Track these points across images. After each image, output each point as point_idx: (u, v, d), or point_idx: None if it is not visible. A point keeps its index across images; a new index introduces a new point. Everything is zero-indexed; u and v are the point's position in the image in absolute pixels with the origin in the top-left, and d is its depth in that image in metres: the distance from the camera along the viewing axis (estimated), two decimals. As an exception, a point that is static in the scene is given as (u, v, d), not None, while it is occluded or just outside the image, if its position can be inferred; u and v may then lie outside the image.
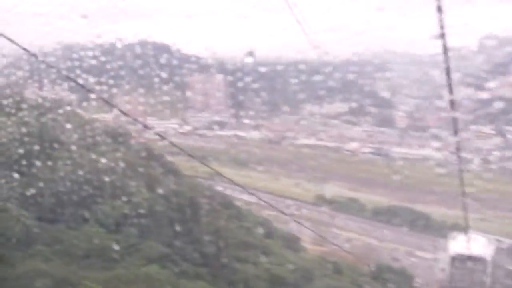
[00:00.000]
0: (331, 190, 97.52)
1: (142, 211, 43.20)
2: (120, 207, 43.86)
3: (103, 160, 47.54)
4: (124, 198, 44.06)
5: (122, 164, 48.36)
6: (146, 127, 59.10)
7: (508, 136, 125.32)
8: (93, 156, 48.03)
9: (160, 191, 48.49)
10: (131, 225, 42.96)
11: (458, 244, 65.26)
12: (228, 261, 46.12)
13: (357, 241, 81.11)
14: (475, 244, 62.95)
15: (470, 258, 62.39)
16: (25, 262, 32.28)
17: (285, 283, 45.44)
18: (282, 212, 77.85)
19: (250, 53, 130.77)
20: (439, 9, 6.56)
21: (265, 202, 73.11)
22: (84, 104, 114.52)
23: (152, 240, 41.69)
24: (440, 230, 77.88)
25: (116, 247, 39.51)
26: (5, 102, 49.06)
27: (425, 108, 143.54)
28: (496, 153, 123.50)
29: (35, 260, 33.13)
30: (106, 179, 44.50)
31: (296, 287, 46.23)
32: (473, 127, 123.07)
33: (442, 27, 6.63)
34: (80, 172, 44.28)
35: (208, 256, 44.48)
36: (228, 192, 76.57)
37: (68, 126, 54.36)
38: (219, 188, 73.59)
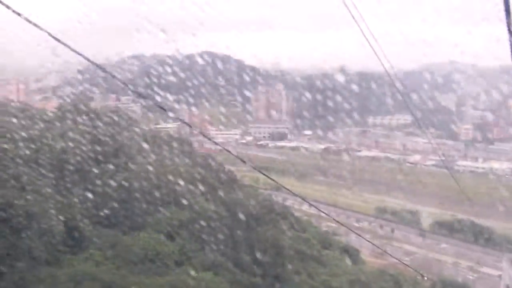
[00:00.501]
0: (393, 202, 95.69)
1: (199, 218, 42.90)
2: (178, 214, 43.70)
3: (166, 168, 47.86)
4: (183, 205, 43.88)
5: (183, 173, 48.53)
6: (207, 137, 59.15)
7: None
8: (155, 163, 48.28)
9: (219, 199, 48.23)
10: (187, 232, 42.70)
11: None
12: (284, 271, 45.26)
13: (417, 255, 79.04)
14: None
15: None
16: (75, 265, 32.36)
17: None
18: (342, 224, 76.61)
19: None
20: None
21: (324, 213, 72.49)
22: (150, 115, 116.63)
23: (207, 248, 41.26)
24: (506, 244, 75.02)
25: (171, 253, 39.38)
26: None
27: (491, 120, 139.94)
28: None
29: (86, 264, 33.19)
30: (167, 186, 44.55)
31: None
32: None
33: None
34: (141, 179, 44.40)
35: (263, 266, 43.70)
36: (288, 203, 75.91)
37: (137, 137, 55.29)
38: (278, 198, 73.05)
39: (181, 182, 43.24)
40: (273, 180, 28.97)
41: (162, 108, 76.09)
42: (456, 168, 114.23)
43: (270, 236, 47.77)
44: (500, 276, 70.10)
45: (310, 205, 60.59)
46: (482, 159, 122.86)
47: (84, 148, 43.58)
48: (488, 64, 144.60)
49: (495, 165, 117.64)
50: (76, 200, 39.08)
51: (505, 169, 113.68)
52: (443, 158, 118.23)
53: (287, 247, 48.92)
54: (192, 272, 36.37)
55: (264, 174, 18.90)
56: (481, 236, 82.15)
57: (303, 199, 34.10)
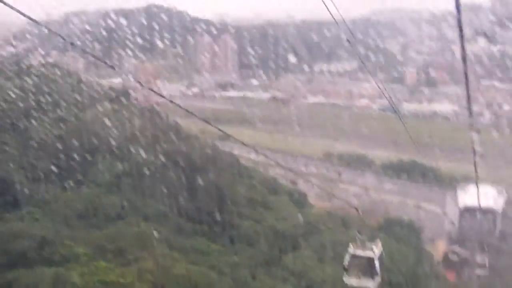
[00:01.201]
0: (340, 146, 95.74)
1: (141, 170, 41.73)
2: (117, 167, 42.45)
3: (106, 121, 46.35)
4: (122, 158, 42.61)
5: (121, 124, 47.08)
6: (152, 90, 57.70)
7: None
8: (91, 116, 46.69)
9: (161, 150, 46.95)
10: (129, 185, 41.54)
11: (467, 196, 63.21)
12: (230, 218, 44.67)
13: (365, 196, 79.43)
14: (485, 196, 60.87)
15: (479, 210, 60.31)
16: (11, 224, 30.96)
17: (288, 237, 43.98)
18: (289, 169, 76.38)
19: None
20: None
21: (272, 160, 72.02)
22: (92, 69, 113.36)
23: (149, 199, 40.22)
24: (450, 183, 75.76)
25: (112, 206, 38.26)
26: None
27: (436, 64, 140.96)
28: (506, 107, 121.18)
29: (23, 221, 31.84)
30: (104, 139, 43.15)
31: (295, 238, 44.71)
32: (484, 81, 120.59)
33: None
34: (78, 132, 42.89)
35: (209, 214, 42.95)
36: (236, 152, 75.01)
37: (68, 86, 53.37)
38: (225, 148, 72.21)
39: (117, 133, 41.80)
40: (220, 129, 27.69)
41: (104, 62, 73.67)
42: (402, 111, 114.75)
43: (216, 184, 46.95)
44: (445, 213, 70.96)
45: (257, 152, 60.05)
46: (426, 102, 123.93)
47: (18, 104, 41.77)
48: (432, 9, 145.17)
49: (439, 107, 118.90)
50: (10, 156, 37.44)
51: (448, 111, 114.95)
52: (390, 101, 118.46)
53: (233, 194, 48.25)
54: (134, 224, 35.43)
55: (210, 124, 18.01)
56: (426, 176, 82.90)
57: (250, 147, 33.01)
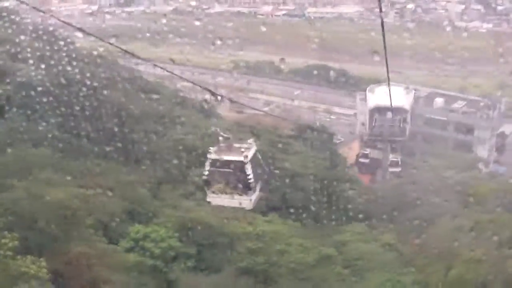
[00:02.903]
0: (247, 55, 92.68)
1: (26, 92, 37.39)
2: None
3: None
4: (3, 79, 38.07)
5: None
6: (42, 11, 51.90)
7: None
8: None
9: (51, 71, 42.21)
10: (14, 110, 37.16)
11: (377, 97, 62.13)
12: (133, 134, 41.36)
13: (275, 104, 77.60)
14: (394, 95, 59.84)
15: (389, 108, 59.40)
16: None
17: (197, 149, 41.11)
18: (194, 83, 72.75)
19: None
20: None
21: (176, 75, 68.26)
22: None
23: (39, 123, 36.14)
24: (359, 85, 74.54)
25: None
26: None
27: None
28: (411, 6, 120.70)
29: None
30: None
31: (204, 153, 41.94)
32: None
33: None
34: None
35: (110, 133, 39.36)
36: (141, 68, 70.80)
37: None
38: (131, 65, 67.82)
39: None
40: (118, 47, 24.68)
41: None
42: (307, 15, 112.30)
43: (114, 101, 43.14)
44: (355, 114, 70.06)
45: (160, 68, 56.20)
46: (331, 5, 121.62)
47: None
48: None
49: (344, 9, 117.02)
50: None
51: (354, 12, 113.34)
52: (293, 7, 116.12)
53: (135, 109, 44.72)
54: (23, 151, 31.61)
55: (109, 43, 17.34)
56: (335, 79, 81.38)
57: (152, 61, 29.65)
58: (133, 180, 35.23)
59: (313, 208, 39.97)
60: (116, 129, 39.78)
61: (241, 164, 29.92)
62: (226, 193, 29.88)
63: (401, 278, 30.14)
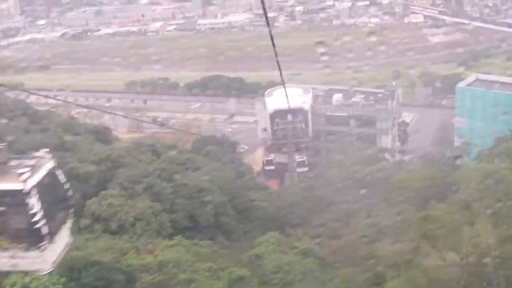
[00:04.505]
0: (141, 74, 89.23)
1: None
2: None
3: None
4: None
5: None
6: None
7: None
8: None
9: None
10: None
11: (275, 101, 60.29)
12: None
13: (174, 120, 74.65)
14: (292, 96, 58.31)
15: (288, 111, 57.74)
16: None
17: (88, 178, 37.29)
18: (88, 107, 68.94)
19: None
20: None
21: (66, 102, 64.43)
22: None
23: None
24: (257, 91, 72.67)
25: None
26: None
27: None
28: (299, 8, 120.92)
29: None
30: None
31: (101, 178, 38.12)
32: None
33: None
34: None
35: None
36: (32, 99, 66.47)
37: None
38: (21, 97, 63.76)
39: None
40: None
41: None
42: (198, 28, 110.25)
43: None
44: (256, 121, 68.03)
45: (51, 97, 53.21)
46: (221, 14, 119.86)
47: None
48: None
49: (234, 18, 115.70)
50: None
51: (244, 20, 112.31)
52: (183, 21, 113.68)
53: (22, 143, 40.44)
54: None
55: None
56: (233, 89, 79.35)
57: (34, 92, 25.47)
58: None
59: (223, 223, 37.30)
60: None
61: (20, 196, 17.30)
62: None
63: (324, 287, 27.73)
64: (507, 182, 28.23)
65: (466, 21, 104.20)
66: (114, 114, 62.71)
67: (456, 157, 44.66)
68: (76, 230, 31.75)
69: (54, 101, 69.05)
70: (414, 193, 33.89)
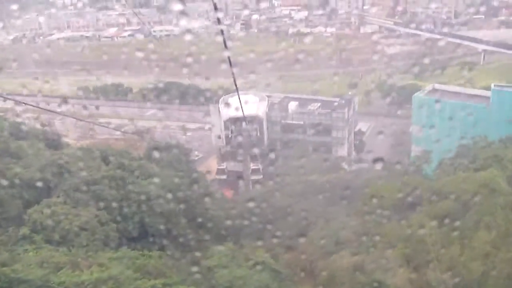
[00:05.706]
0: (94, 79, 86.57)
1: None
2: None
3: None
4: None
5: None
6: None
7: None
8: None
9: None
10: None
11: (229, 108, 58.80)
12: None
13: (127, 126, 72.26)
14: (247, 104, 57.01)
15: (243, 118, 56.33)
16: None
17: (32, 185, 34.81)
18: (39, 107, 65.88)
19: None
20: None
21: (18, 102, 61.72)
22: None
23: None
24: (212, 98, 70.93)
25: None
26: None
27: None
28: (256, 16, 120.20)
29: None
30: None
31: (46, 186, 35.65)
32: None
33: None
34: None
35: None
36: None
37: None
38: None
39: None
40: None
41: None
42: (154, 34, 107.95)
43: None
44: (210, 128, 66.41)
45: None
46: (176, 21, 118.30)
47: None
48: None
49: (190, 25, 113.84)
50: None
51: (199, 27, 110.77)
52: (138, 27, 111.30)
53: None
54: None
55: None
56: (188, 95, 77.37)
57: None
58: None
59: (174, 233, 35.27)
60: None
61: None
62: None
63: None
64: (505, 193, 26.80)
65: (421, 33, 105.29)
66: (65, 116, 60.24)
67: (418, 165, 43.91)
68: (14, 241, 29.28)
69: (3, 106, 66.57)
70: (382, 202, 32.43)
